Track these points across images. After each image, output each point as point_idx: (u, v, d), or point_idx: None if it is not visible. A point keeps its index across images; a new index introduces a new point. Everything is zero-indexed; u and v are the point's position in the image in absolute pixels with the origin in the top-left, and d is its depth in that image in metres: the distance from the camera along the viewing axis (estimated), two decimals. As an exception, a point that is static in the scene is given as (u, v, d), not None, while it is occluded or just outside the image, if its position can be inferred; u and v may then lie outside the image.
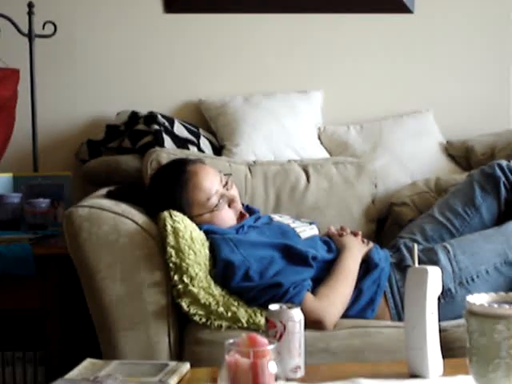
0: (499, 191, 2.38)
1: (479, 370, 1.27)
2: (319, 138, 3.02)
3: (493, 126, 3.05)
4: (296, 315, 1.56)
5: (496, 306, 1.25)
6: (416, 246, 1.59)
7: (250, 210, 2.35)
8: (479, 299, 1.30)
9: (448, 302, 2.10)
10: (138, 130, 2.74)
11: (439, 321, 1.59)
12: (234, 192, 2.29)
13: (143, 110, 2.81)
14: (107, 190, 2.30)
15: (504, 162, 2.43)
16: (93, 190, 2.38)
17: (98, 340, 2.05)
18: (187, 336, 2.02)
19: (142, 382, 1.49)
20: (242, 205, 2.34)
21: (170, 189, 2.20)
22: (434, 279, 1.53)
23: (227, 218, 2.23)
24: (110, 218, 2.04)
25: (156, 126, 2.71)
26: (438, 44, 3.23)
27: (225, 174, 2.31)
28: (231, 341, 1.37)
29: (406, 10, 3.17)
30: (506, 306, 1.23)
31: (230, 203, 2.26)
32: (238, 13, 3.11)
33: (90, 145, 2.85)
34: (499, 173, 2.39)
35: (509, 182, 2.38)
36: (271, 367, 1.33)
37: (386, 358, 1.88)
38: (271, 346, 1.35)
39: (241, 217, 2.27)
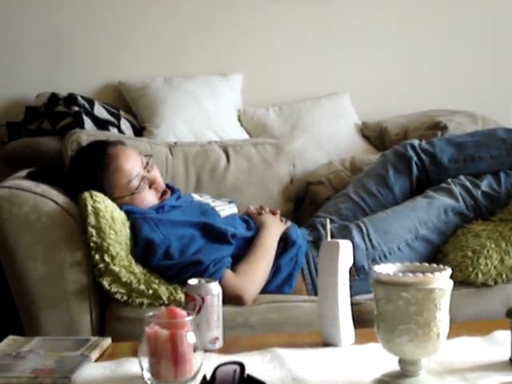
0: (411, 171, 2.45)
1: (386, 335, 1.33)
2: (239, 120, 3.07)
3: (406, 108, 3.13)
4: (214, 288, 1.61)
5: (401, 274, 1.31)
6: (328, 221, 1.66)
7: (170, 188, 2.37)
8: (385, 269, 1.36)
9: (362, 278, 2.17)
10: (58, 112, 2.73)
11: (353, 296, 1.66)
12: (155, 173, 2.31)
13: (63, 92, 2.80)
14: (27, 171, 2.29)
15: (416, 142, 2.51)
16: (13, 172, 2.37)
17: (19, 319, 2.06)
18: (109, 314, 2.05)
19: (63, 356, 1.51)
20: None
21: (90, 171, 2.20)
22: (345, 252, 1.61)
23: (148, 199, 2.25)
24: (30, 198, 2.05)
25: (76, 108, 2.70)
26: (354, 28, 3.30)
27: (145, 155, 2.33)
28: (151, 313, 1.42)
29: (322, -6, 3.24)
30: (411, 275, 1.30)
31: (151, 185, 2.27)
32: (158, -7, 3.12)
33: (9, 127, 2.83)
34: (411, 152, 2.46)
35: (420, 162, 2.45)
36: (190, 338, 1.38)
37: (303, 330, 1.92)
38: (189, 318, 1.40)
39: (163, 194, 2.29)
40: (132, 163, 2.25)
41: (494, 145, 2.44)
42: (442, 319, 1.30)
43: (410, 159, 2.46)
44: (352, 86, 3.25)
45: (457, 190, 2.33)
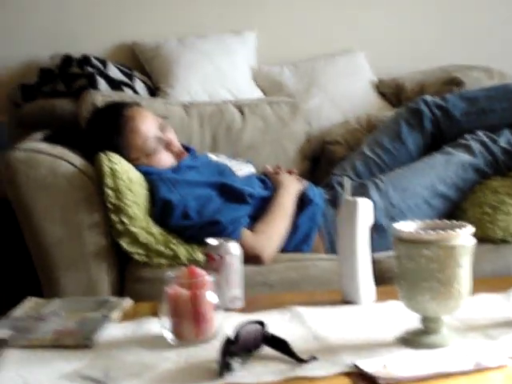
0: (424, 125, 2.45)
1: (407, 293, 1.33)
2: (254, 79, 3.04)
3: (422, 64, 3.10)
4: (233, 248, 1.61)
5: (422, 232, 1.31)
6: (347, 179, 1.65)
7: (186, 148, 2.37)
8: (406, 226, 1.35)
9: (381, 236, 2.15)
10: (72, 73, 2.72)
11: (372, 254, 1.66)
12: (170, 135, 2.30)
13: (76, 53, 2.78)
14: (43, 133, 2.29)
15: (429, 97, 2.49)
16: (28, 135, 2.36)
17: (38, 280, 2.07)
18: (128, 275, 2.06)
19: (84, 317, 1.52)
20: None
21: (107, 133, 2.20)
22: (364, 210, 1.60)
23: (164, 160, 2.25)
24: (47, 160, 2.05)
25: (90, 69, 2.69)
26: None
27: (161, 117, 2.32)
28: (171, 273, 1.42)
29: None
30: (432, 232, 1.29)
31: (167, 146, 2.27)
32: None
33: (23, 89, 2.82)
34: (424, 107, 2.46)
35: (433, 116, 2.45)
36: (210, 297, 1.38)
37: (322, 289, 1.94)
38: (210, 277, 1.40)
39: (179, 156, 2.29)
40: (148, 124, 2.24)
41: (506, 97, 2.43)
42: (464, 276, 1.30)
43: (422, 114, 2.45)
44: (367, 42, 3.22)
45: (475, 145, 2.32)
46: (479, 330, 1.40)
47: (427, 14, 3.30)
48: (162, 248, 2.00)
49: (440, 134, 2.45)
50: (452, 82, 2.80)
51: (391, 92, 3.02)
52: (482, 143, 2.33)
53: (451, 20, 3.32)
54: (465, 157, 2.30)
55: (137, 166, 2.17)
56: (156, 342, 1.40)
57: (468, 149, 2.32)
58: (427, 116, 2.45)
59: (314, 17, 3.21)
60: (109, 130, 2.20)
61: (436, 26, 3.31)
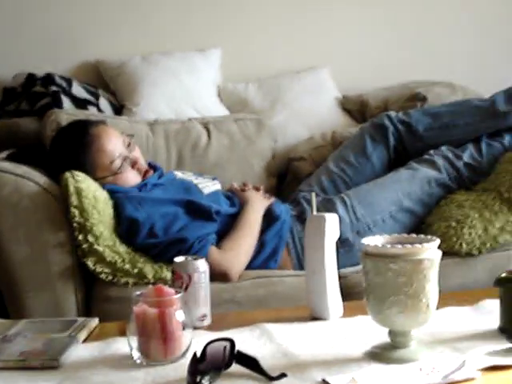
0: (388, 140, 2.48)
1: (376, 307, 1.33)
2: (219, 96, 3.05)
3: (386, 81, 3.12)
4: (201, 265, 1.60)
5: (389, 246, 1.31)
6: (314, 195, 1.66)
7: (152, 166, 2.36)
8: (373, 241, 1.36)
9: (347, 250, 2.18)
10: (36, 92, 2.70)
11: (339, 269, 1.66)
12: (136, 153, 2.29)
13: (40, 72, 2.76)
14: (7, 152, 2.27)
15: (393, 113, 2.53)
16: (-8, 154, 2.35)
17: (4, 302, 2.04)
18: (95, 294, 2.04)
19: (51, 338, 1.50)
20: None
21: (72, 151, 2.19)
22: (331, 225, 1.60)
23: (130, 179, 2.24)
24: (11, 180, 2.03)
25: (54, 88, 2.67)
26: (332, 1, 3.27)
27: (127, 135, 2.31)
28: (138, 292, 1.41)
29: (300, -33, 3.22)
30: (399, 246, 1.30)
31: (133, 164, 2.26)
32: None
33: (-14, 108, 2.80)
34: (388, 123, 2.49)
35: (396, 131, 2.48)
36: (178, 316, 1.37)
37: (290, 305, 1.93)
38: (177, 296, 1.39)
39: (145, 174, 2.28)
40: (114, 143, 2.23)
41: (469, 112, 2.46)
42: (432, 290, 1.31)
43: (386, 129, 2.48)
44: (331, 59, 3.23)
45: (440, 161, 2.35)
46: (448, 344, 1.40)
47: (390, 30, 3.33)
48: (128, 267, 1.99)
49: (404, 149, 2.48)
50: (415, 98, 2.82)
51: (356, 108, 3.04)
52: (447, 159, 2.36)
53: (414, 36, 3.35)
54: (430, 172, 2.33)
55: (103, 185, 2.16)
56: (124, 362, 1.39)
57: (433, 164, 2.34)
58: (391, 131, 2.47)
59: (278, 34, 3.22)
60: (75, 149, 2.19)
61: (399, 43, 3.34)
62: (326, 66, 3.19)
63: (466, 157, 2.37)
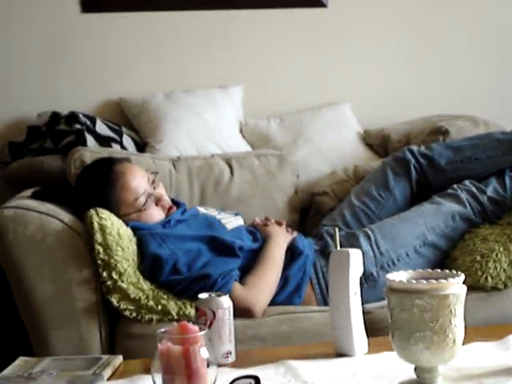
0: (410, 174, 2.48)
1: (401, 344, 1.32)
2: (241, 132, 3.06)
3: (408, 115, 3.13)
4: (225, 302, 1.60)
5: (414, 281, 1.30)
6: (337, 230, 1.65)
7: (176, 203, 2.37)
8: (398, 276, 1.35)
9: (371, 286, 2.17)
10: (60, 130, 2.73)
11: (363, 304, 1.65)
12: (161, 190, 2.31)
13: (64, 110, 2.79)
14: (32, 190, 2.29)
15: (415, 147, 2.54)
16: (16, 193, 2.35)
17: (29, 340, 2.05)
18: (119, 331, 2.04)
19: (76, 375, 1.51)
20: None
21: (97, 189, 2.20)
22: (355, 261, 1.60)
23: (155, 216, 2.25)
24: (35, 217, 2.04)
25: (78, 126, 2.70)
26: (351, 37, 3.29)
27: (151, 173, 2.33)
28: (163, 329, 1.41)
29: (320, 4, 3.24)
30: (424, 282, 1.29)
31: (158, 201, 2.28)
32: (157, 11, 3.11)
33: (11, 147, 2.82)
34: (409, 156, 2.49)
35: (419, 165, 2.48)
36: (203, 353, 1.37)
37: (314, 341, 1.92)
38: (202, 333, 1.38)
39: (169, 210, 2.29)
40: (138, 180, 2.24)
41: (491, 145, 2.46)
42: (458, 325, 1.30)
43: (408, 163, 2.48)
44: (352, 94, 3.25)
45: (463, 195, 2.34)
46: (475, 380, 1.39)
47: (412, 65, 3.34)
48: (152, 303, 1.99)
49: (426, 183, 2.48)
50: (437, 132, 2.82)
51: (378, 143, 3.04)
52: (470, 193, 2.35)
53: (435, 70, 3.36)
54: (454, 206, 2.32)
55: (127, 222, 2.17)
56: (149, 400, 1.38)
57: (457, 198, 2.34)
58: (413, 165, 2.47)
59: (299, 70, 3.24)
60: (99, 186, 2.20)
61: (419, 77, 3.35)
62: (348, 101, 3.20)
63: (489, 191, 2.36)
